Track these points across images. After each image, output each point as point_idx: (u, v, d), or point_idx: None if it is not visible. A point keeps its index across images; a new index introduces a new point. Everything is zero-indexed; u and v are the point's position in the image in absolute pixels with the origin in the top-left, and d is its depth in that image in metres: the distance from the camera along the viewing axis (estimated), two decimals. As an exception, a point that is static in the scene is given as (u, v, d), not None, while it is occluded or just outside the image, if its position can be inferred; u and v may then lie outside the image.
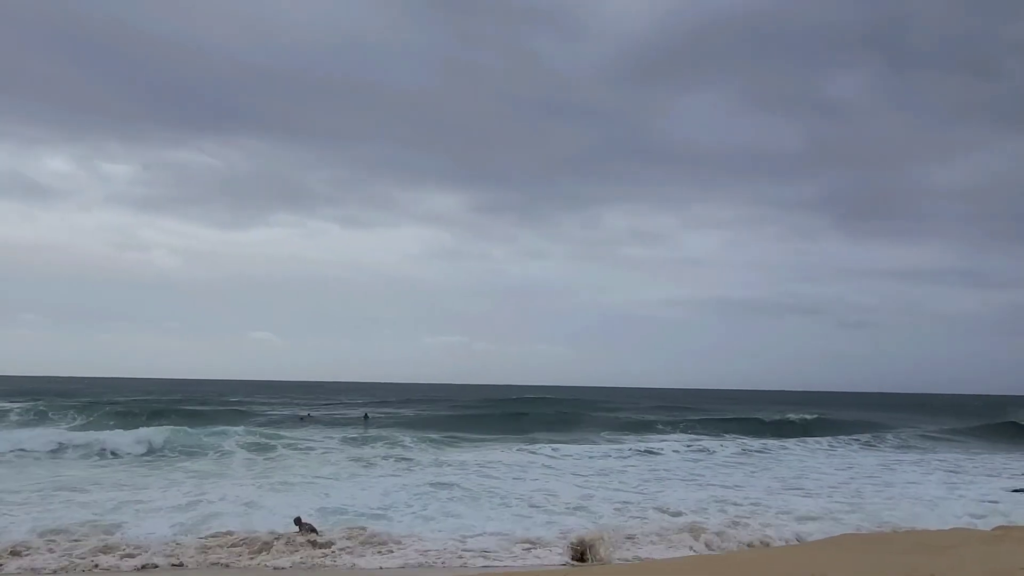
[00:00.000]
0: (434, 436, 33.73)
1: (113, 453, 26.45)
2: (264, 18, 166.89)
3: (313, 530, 13.46)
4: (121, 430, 30.69)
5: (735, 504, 17.37)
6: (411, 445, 30.55)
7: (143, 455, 26.43)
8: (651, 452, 30.35)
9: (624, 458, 28.30)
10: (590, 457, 28.29)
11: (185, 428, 30.95)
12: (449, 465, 24.42)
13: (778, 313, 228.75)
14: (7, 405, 43.71)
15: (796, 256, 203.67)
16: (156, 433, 29.10)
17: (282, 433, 32.89)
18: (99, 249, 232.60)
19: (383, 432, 35.78)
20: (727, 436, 38.90)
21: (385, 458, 25.82)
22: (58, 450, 26.60)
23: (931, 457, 30.96)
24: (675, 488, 20.36)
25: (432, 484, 19.25)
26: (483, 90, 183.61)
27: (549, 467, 24.77)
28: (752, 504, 17.42)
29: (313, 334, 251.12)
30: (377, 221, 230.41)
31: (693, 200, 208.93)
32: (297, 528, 13.55)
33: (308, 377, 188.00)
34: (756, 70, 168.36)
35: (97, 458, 25.65)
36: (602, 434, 39.90)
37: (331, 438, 31.99)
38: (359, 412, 50.68)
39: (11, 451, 25.83)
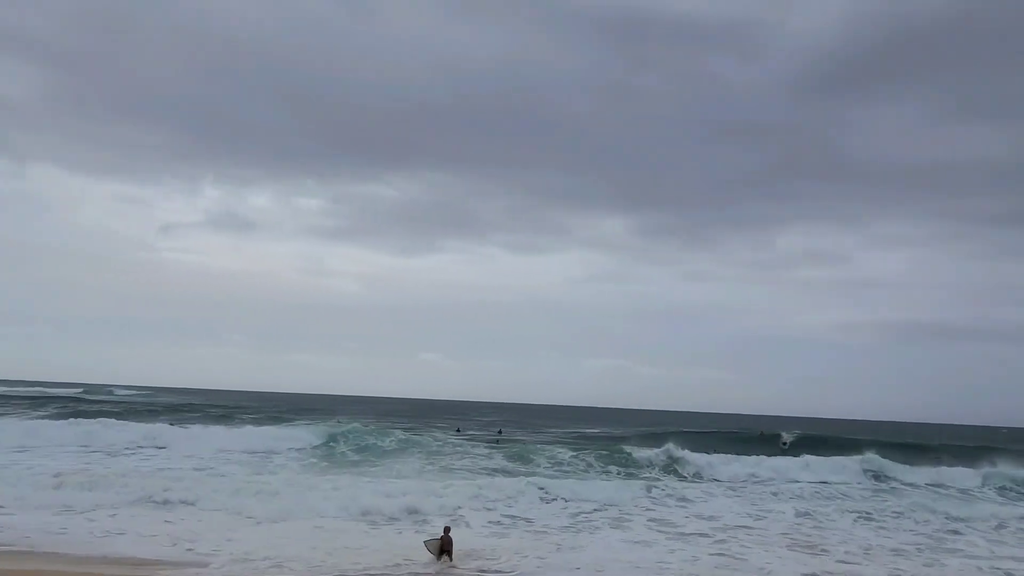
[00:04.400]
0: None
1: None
2: (443, 56, 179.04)
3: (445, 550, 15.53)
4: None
5: None
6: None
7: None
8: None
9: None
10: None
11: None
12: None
13: (976, 338, 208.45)
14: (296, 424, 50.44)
15: (998, 276, 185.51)
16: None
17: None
18: (292, 276, 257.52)
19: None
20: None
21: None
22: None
23: None
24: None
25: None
26: (652, 113, 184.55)
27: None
28: None
29: (478, 356, 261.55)
30: (543, 246, 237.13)
31: (874, 217, 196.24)
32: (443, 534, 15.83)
33: (472, 397, 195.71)
34: (956, 78, 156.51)
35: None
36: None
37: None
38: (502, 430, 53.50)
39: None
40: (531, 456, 33.26)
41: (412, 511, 20.72)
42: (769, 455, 37.35)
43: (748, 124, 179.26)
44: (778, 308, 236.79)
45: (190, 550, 15.57)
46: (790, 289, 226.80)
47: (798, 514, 23.41)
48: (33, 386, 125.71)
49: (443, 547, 15.46)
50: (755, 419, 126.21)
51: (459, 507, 21.52)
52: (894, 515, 23.99)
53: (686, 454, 33.90)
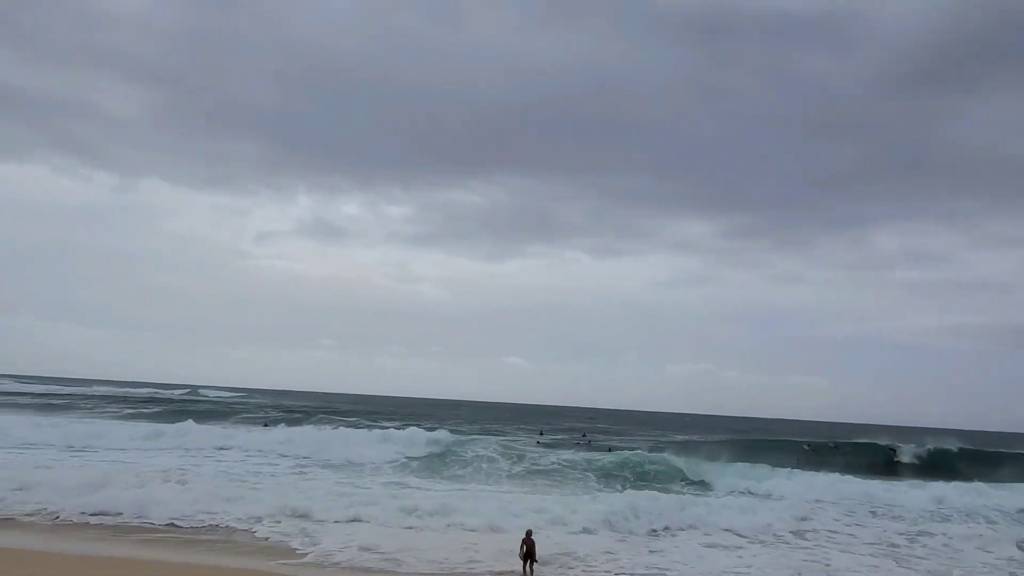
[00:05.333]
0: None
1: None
2: (525, 62, 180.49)
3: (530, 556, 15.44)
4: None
5: None
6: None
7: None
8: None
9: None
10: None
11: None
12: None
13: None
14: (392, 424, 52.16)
15: None
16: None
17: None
18: (379, 282, 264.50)
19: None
20: None
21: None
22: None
23: None
24: None
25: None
26: (738, 112, 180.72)
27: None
28: None
29: (560, 360, 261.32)
30: (626, 250, 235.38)
31: (983, 215, 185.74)
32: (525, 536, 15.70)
33: (553, 401, 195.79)
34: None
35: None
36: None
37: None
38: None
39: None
40: (632, 468, 32.40)
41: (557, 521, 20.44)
42: (881, 475, 34.99)
43: (840, 120, 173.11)
44: (875, 311, 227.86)
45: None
46: (888, 291, 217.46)
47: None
48: (140, 387, 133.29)
49: (527, 551, 15.39)
50: (850, 428, 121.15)
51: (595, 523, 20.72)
52: None
53: (779, 480, 30.52)
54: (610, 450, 47.27)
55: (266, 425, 56.53)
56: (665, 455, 35.17)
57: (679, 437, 62.93)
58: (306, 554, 16.26)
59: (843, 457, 42.82)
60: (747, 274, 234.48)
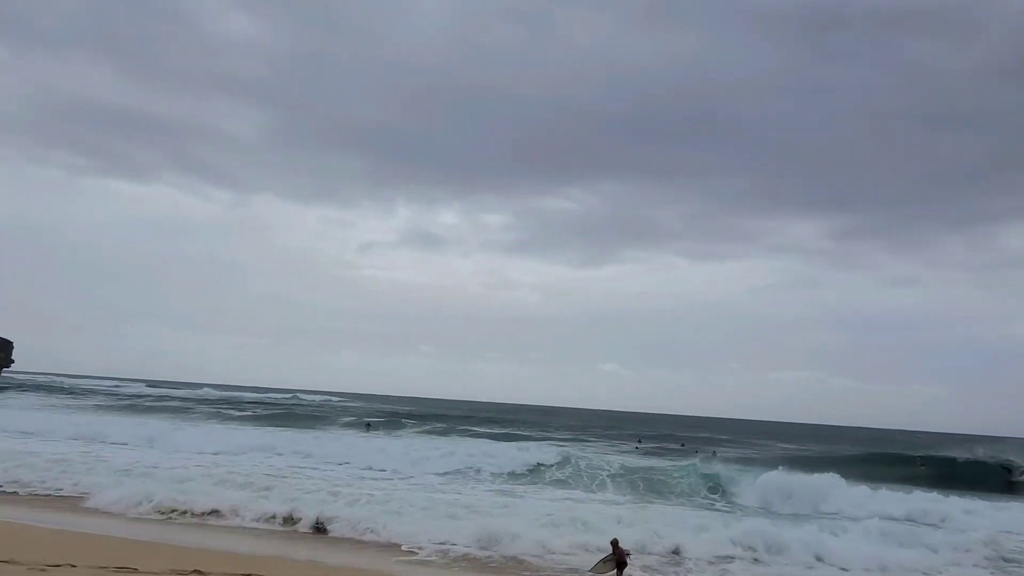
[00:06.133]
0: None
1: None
2: (620, 66, 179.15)
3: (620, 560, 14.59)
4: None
5: None
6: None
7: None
8: None
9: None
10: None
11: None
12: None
13: None
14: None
15: None
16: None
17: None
18: (476, 289, 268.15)
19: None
20: None
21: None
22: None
23: None
24: None
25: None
26: (844, 106, 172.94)
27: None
28: None
29: (657, 367, 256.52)
30: (726, 254, 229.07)
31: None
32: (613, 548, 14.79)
33: (649, 408, 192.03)
34: None
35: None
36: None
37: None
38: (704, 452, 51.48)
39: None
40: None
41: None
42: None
43: (959, 113, 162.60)
44: (1002, 314, 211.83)
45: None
46: (1016, 293, 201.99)
47: None
48: (249, 391, 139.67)
49: (618, 560, 14.54)
50: (974, 440, 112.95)
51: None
52: None
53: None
54: (714, 454, 45.66)
55: (368, 426, 57.97)
56: (780, 472, 30.01)
57: (787, 447, 60.23)
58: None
59: (962, 472, 39.44)
60: (856, 276, 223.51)
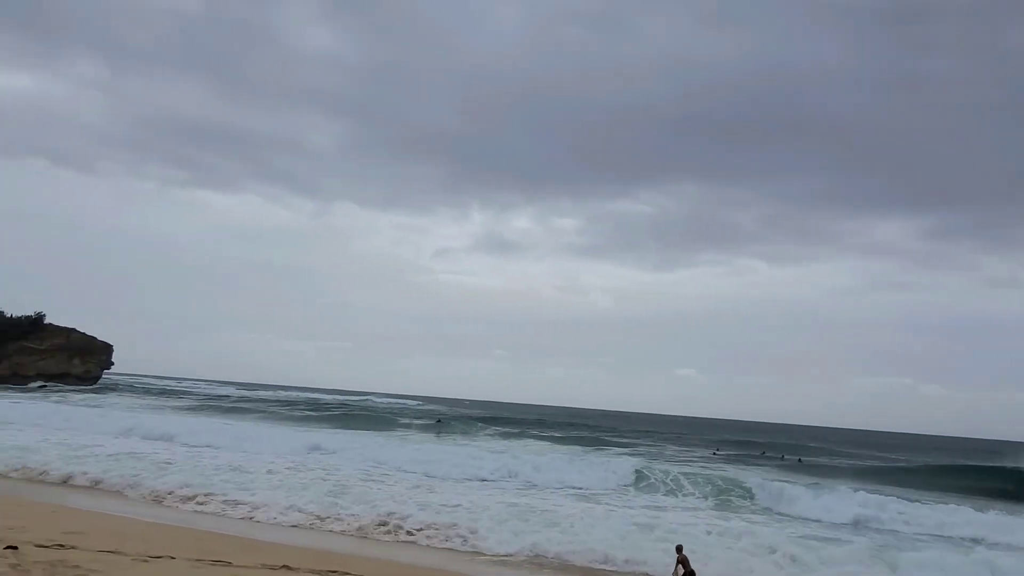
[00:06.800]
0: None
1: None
2: (695, 66, 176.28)
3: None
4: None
5: None
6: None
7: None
8: None
9: None
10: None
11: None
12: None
13: None
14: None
15: None
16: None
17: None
18: (549, 293, 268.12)
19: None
20: None
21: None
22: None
23: None
24: None
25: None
26: (936, 100, 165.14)
27: None
28: None
29: (735, 372, 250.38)
30: (806, 255, 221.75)
31: None
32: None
33: (727, 415, 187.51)
34: None
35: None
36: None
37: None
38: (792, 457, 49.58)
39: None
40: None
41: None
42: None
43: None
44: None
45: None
46: None
47: None
48: (331, 394, 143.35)
49: (684, 569, 14.05)
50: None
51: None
52: None
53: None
54: (799, 461, 43.98)
55: (439, 421, 58.65)
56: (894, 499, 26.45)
57: (881, 455, 57.64)
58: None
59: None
60: (951, 278, 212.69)
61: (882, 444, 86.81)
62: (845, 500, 26.00)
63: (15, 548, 11.43)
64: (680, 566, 14.17)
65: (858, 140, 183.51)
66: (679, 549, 14.58)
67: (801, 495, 26.68)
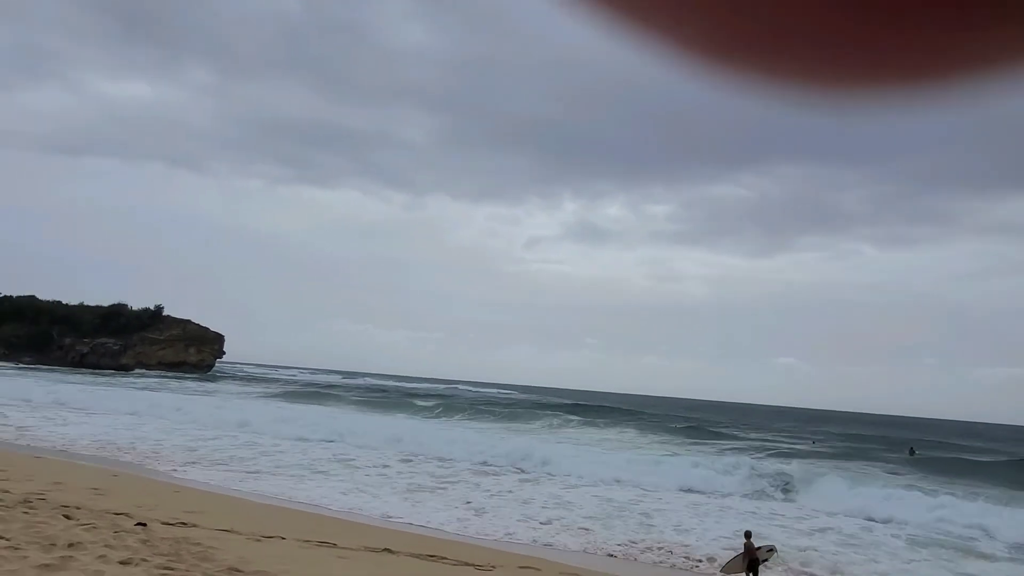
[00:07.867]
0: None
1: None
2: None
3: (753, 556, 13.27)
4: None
5: None
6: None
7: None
8: None
9: None
10: None
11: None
12: None
13: None
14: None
15: None
16: None
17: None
18: (642, 281, 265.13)
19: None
20: None
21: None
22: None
23: None
24: None
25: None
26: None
27: None
28: None
29: (840, 361, 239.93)
30: (920, 237, 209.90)
31: None
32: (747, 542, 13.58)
33: (831, 406, 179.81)
34: None
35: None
36: None
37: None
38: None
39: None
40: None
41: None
42: None
43: None
44: None
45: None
46: None
47: None
48: (420, 383, 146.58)
49: (750, 558, 13.22)
50: None
51: None
52: None
53: None
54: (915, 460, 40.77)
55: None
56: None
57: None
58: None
59: None
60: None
61: (1009, 438, 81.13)
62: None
63: (144, 525, 12.28)
64: (746, 554, 13.41)
65: (982, 110, 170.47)
66: (747, 535, 13.76)
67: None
